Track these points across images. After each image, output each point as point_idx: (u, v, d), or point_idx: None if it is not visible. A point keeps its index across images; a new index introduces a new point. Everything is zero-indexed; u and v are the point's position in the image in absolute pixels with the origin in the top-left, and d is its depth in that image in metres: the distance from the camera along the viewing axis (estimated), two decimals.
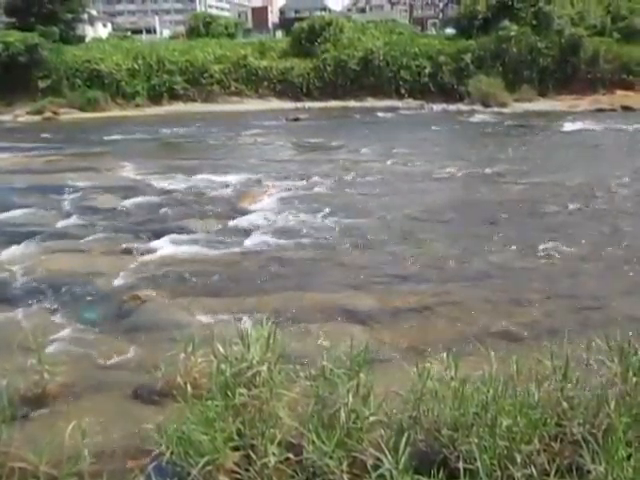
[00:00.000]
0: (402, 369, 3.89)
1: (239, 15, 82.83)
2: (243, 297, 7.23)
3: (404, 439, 3.06)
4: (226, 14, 76.53)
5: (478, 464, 2.93)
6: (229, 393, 3.42)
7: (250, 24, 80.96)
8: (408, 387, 3.60)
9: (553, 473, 2.95)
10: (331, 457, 3.08)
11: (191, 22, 51.76)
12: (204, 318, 6.57)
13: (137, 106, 36.45)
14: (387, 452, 3.03)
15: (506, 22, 37.43)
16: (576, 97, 34.73)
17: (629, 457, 2.92)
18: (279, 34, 61.97)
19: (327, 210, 11.54)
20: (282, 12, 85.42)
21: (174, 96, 37.66)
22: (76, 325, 6.54)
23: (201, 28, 49.92)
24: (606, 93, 35.41)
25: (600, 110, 31.44)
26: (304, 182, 14.47)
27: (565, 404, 3.49)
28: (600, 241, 9.33)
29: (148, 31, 73.69)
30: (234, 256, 9.02)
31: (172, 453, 3.20)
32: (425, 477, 3.03)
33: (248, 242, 9.72)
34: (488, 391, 3.40)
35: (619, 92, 35.29)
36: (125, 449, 4.05)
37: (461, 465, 3.04)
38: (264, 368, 3.50)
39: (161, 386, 4.63)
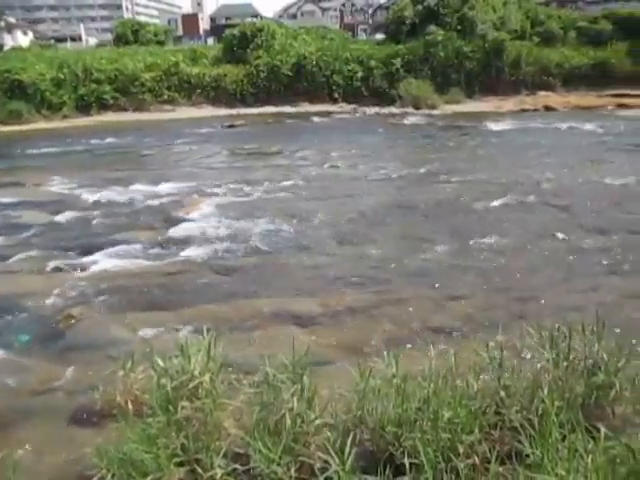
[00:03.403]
0: (345, 370, 3.91)
1: (169, 22, 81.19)
2: (183, 308, 7.08)
3: (349, 440, 3.09)
4: (155, 21, 74.82)
5: (422, 458, 2.99)
6: (171, 407, 3.35)
7: (180, 31, 79.65)
8: (352, 387, 3.64)
9: (494, 460, 3.05)
10: (278, 464, 3.06)
11: (118, 29, 50.38)
12: (143, 333, 6.38)
13: (64, 117, 35.00)
14: (333, 454, 3.04)
15: (432, 27, 38.62)
16: (501, 98, 36.23)
17: (564, 439, 3.06)
18: (210, 41, 61.32)
19: (266, 216, 11.50)
20: (213, 19, 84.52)
21: (103, 106, 36.45)
22: (6, 350, 6.19)
23: (129, 35, 48.70)
24: (529, 94, 37.14)
25: (524, 110, 32.96)
26: (242, 189, 14.36)
27: (502, 393, 3.62)
28: (530, 234, 9.77)
29: (73, 39, 71.11)
30: (172, 267, 8.82)
31: (114, 476, 3.09)
32: (372, 476, 3.06)
33: (186, 252, 9.53)
34: (429, 385, 3.48)
35: (541, 93, 37.11)
36: (62, 478, 3.86)
37: (406, 460, 3.09)
38: (206, 379, 3.45)
39: (100, 407, 4.46)
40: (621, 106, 32.81)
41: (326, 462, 3.09)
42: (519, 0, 43.34)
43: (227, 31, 42.46)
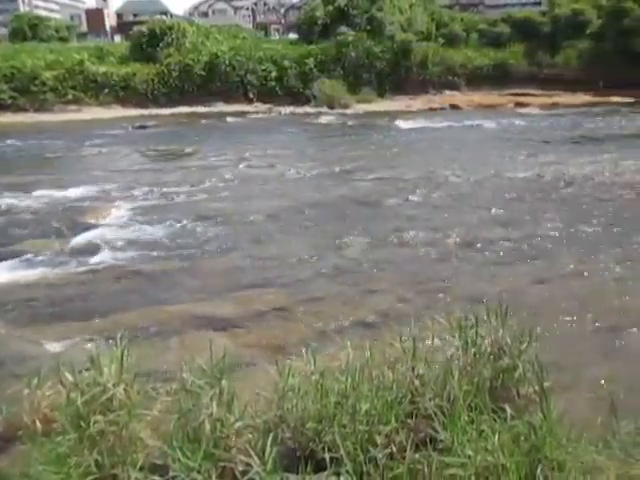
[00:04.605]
0: (265, 370, 3.91)
1: (71, 17, 77.19)
2: (94, 319, 6.77)
3: (270, 440, 3.09)
4: (56, 16, 70.67)
5: (341, 451, 3.04)
6: (83, 423, 3.19)
7: (85, 27, 75.94)
8: (272, 387, 3.64)
9: (410, 447, 3.16)
10: (199, 471, 3.01)
11: (14, 24, 47.27)
12: (51, 347, 6.04)
13: None
14: (254, 455, 3.03)
15: (343, 28, 39.35)
16: (411, 97, 37.58)
17: (472, 422, 3.23)
18: (118, 38, 58.92)
19: (181, 219, 11.24)
20: (119, 15, 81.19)
21: (0, 106, 34.07)
22: None
23: (27, 31, 45.83)
24: (436, 93, 38.80)
25: (432, 109, 34.40)
26: (155, 191, 13.94)
27: (417, 382, 3.75)
28: (440, 228, 10.20)
29: None
30: (83, 275, 8.42)
31: None
32: (293, 474, 3.08)
33: (97, 259, 9.13)
34: (346, 380, 3.54)
35: (447, 92, 38.88)
36: None
37: (327, 455, 3.14)
38: (120, 390, 3.32)
39: (3, 429, 4.16)
40: (520, 104, 35.06)
41: (248, 464, 3.08)
42: (424, 2, 45.06)
43: (135, 28, 41.00)
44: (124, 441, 3.24)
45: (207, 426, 3.23)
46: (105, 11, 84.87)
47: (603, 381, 4.98)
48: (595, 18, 40.83)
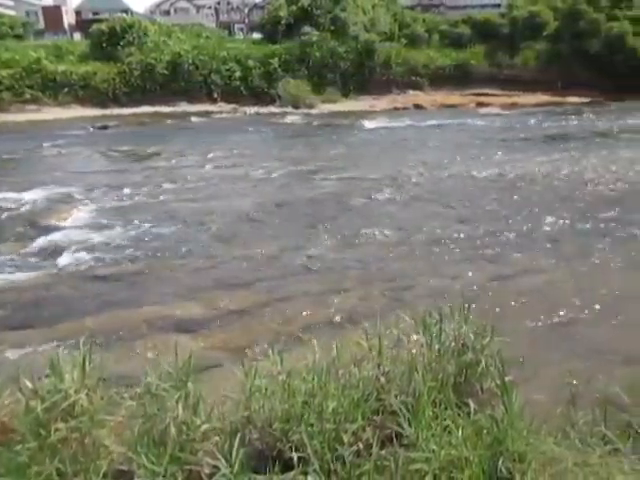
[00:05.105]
0: (232, 372, 3.89)
1: (27, 14, 74.85)
2: (56, 323, 6.61)
3: (237, 441, 3.08)
4: (10, 12, 68.46)
5: (309, 450, 3.06)
6: (43, 431, 3.11)
7: (42, 25, 73.78)
8: (239, 388, 3.62)
9: (376, 444, 3.19)
10: (164, 475, 2.97)
11: None
12: (10, 354, 5.87)
13: None
14: (221, 458, 3.01)
15: (307, 28, 39.38)
16: (375, 97, 37.90)
17: (437, 417, 3.28)
18: (77, 36, 57.46)
19: (146, 220, 11.07)
20: (78, 12, 79.18)
21: None
22: None
23: None
24: (400, 93, 39.23)
25: (396, 109, 34.77)
26: (118, 193, 13.68)
27: (383, 379, 3.78)
28: (404, 227, 10.33)
29: None
30: (44, 279, 8.20)
31: None
32: (261, 474, 3.08)
33: (60, 262, 8.90)
34: (313, 379, 3.55)
35: (411, 92, 39.36)
36: None
37: (294, 454, 3.14)
38: (82, 396, 3.25)
39: None
40: (481, 104, 35.76)
41: (215, 467, 3.06)
42: (387, 3, 45.48)
43: (95, 26, 40.04)
44: (87, 448, 3.17)
45: (173, 430, 3.19)
46: (63, 8, 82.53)
47: (562, 374, 5.13)
48: (552, 20, 41.97)
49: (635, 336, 6.05)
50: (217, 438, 3.30)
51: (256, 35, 47.83)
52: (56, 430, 3.08)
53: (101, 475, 2.96)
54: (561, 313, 6.63)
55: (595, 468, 2.81)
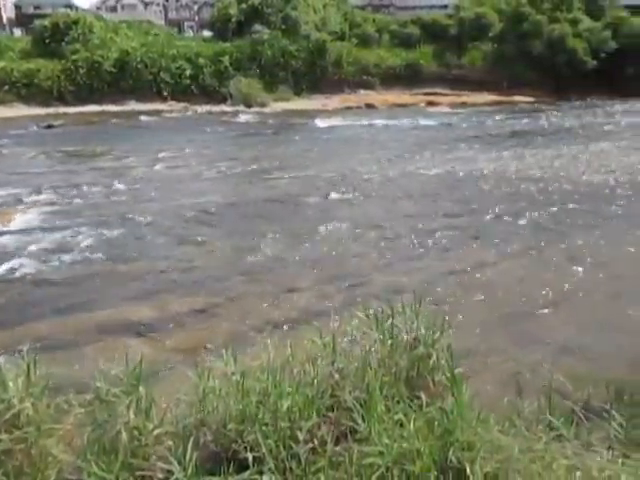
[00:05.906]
0: (185, 374, 3.84)
1: None
2: (1, 330, 6.35)
3: (190, 444, 3.04)
4: None
5: (263, 449, 3.06)
6: None
7: None
8: (192, 391, 3.58)
9: (331, 440, 3.22)
10: None
11: None
12: None
13: None
14: (174, 461, 2.98)
15: (258, 26, 39.15)
16: (327, 96, 38.06)
17: (389, 411, 3.34)
18: (17, 32, 55.27)
19: (95, 222, 10.77)
20: (18, 7, 76.13)
21: None
22: None
23: None
24: (352, 92, 39.55)
25: (348, 108, 35.03)
26: (65, 195, 13.24)
27: (337, 376, 3.82)
28: (357, 225, 10.43)
29: None
30: None
31: None
32: (216, 476, 3.06)
33: (2, 267, 8.55)
34: (268, 378, 3.55)
35: (362, 91, 39.73)
36: None
37: (249, 454, 3.14)
38: (27, 405, 3.15)
39: None
40: (431, 103, 36.48)
41: (168, 471, 3.02)
42: (337, 3, 45.72)
43: (37, 22, 38.58)
44: (34, 458, 3.08)
45: (124, 435, 3.13)
46: (1, 2, 79.27)
47: (510, 365, 5.31)
48: (497, 22, 43.19)
49: (579, 327, 6.32)
50: (170, 442, 3.25)
51: (206, 33, 47.16)
52: (0, 442, 2.98)
53: None
54: (510, 306, 6.86)
55: (540, 454, 2.92)
